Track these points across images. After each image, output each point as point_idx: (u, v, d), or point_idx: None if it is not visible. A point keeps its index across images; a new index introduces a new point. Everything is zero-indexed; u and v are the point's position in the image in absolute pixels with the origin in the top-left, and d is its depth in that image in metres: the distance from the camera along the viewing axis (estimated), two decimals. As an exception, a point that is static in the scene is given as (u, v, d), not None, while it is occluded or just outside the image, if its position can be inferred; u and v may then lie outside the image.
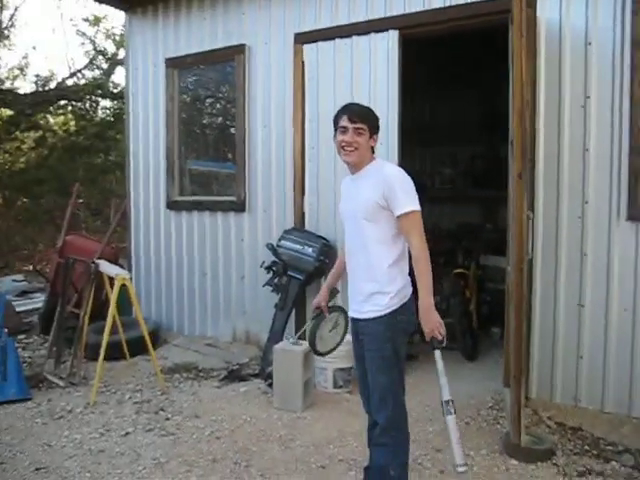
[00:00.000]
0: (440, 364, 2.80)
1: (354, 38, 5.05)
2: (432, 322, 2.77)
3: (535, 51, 4.23)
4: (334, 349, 3.35)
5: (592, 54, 4.11)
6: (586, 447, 3.79)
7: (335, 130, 2.95)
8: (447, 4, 4.66)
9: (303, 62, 5.32)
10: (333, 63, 5.18)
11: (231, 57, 5.94)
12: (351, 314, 3.02)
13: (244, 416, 4.34)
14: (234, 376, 5.13)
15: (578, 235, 4.21)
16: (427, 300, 2.77)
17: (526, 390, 4.11)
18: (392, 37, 4.86)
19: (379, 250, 2.88)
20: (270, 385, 4.72)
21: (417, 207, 2.83)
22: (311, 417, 4.34)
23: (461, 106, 8.23)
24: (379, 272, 2.87)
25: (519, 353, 3.62)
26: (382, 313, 2.86)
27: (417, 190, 8.67)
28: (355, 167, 2.95)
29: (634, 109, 3.96)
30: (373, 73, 4.97)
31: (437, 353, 2.81)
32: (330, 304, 3.26)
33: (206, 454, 3.77)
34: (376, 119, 2.96)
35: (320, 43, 5.23)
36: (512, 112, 3.76)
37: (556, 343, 4.31)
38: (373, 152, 2.97)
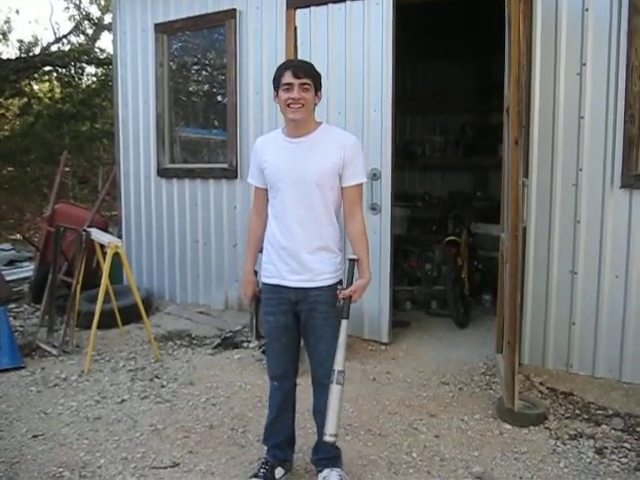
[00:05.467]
0: (344, 335, 2.79)
1: (348, 3, 4.97)
2: (364, 293, 2.90)
3: (531, 17, 4.20)
4: None
5: (589, 20, 4.07)
6: (577, 411, 3.84)
7: (276, 89, 2.83)
8: (442, -32, 4.61)
9: (295, 27, 5.24)
10: (326, 28, 5.09)
11: (222, 22, 5.85)
12: (293, 284, 2.88)
13: (239, 383, 4.36)
14: (227, 343, 5.14)
15: (572, 202, 4.22)
16: (370, 272, 2.90)
17: (519, 356, 4.15)
18: (386, 2, 4.78)
19: (330, 216, 2.87)
20: (264, 352, 4.73)
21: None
22: (305, 383, 4.35)
23: (452, 74, 8.17)
24: (331, 238, 2.87)
25: (514, 319, 3.64)
26: (340, 278, 2.90)
27: (408, 157, 8.67)
28: (299, 127, 2.84)
29: (630, 76, 3.95)
30: (367, 39, 4.90)
31: (346, 323, 2.80)
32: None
33: (203, 421, 3.79)
34: (319, 75, 2.87)
35: (313, 8, 5.14)
36: (509, 79, 3.73)
37: (549, 310, 4.35)
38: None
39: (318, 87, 2.85)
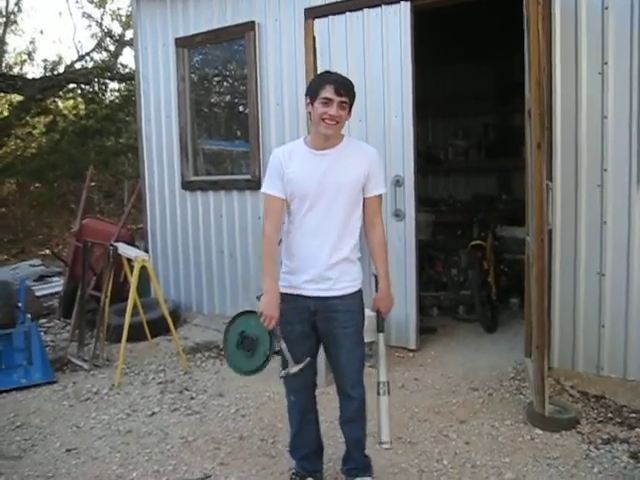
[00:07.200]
0: (383, 346, 3.00)
1: (365, 11, 4.98)
2: (392, 303, 3.03)
3: (550, 18, 4.17)
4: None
5: (609, 18, 4.03)
6: (610, 415, 3.79)
7: (312, 98, 2.78)
8: (459, -27, 4.60)
9: (314, 37, 5.26)
10: (345, 37, 5.11)
11: (241, 35, 5.89)
12: (311, 293, 2.86)
13: (268, 393, 4.36)
14: (255, 354, 5.14)
15: (597, 203, 4.17)
16: (389, 281, 2.99)
17: (548, 360, 4.11)
18: (404, 8, 4.79)
19: (354, 227, 2.89)
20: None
21: None
22: (333, 392, 4.35)
23: (473, 76, 8.13)
24: (352, 248, 2.88)
25: (542, 323, 3.61)
26: (359, 287, 2.93)
27: (431, 162, 8.64)
28: (328, 141, 2.82)
29: (653, 74, 3.90)
30: (386, 45, 4.91)
31: (382, 336, 3.01)
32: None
33: (233, 432, 3.81)
34: (355, 93, 2.84)
35: (331, 17, 5.16)
36: (529, 81, 3.71)
37: (577, 312, 4.30)
38: None
39: (352, 104, 2.83)
